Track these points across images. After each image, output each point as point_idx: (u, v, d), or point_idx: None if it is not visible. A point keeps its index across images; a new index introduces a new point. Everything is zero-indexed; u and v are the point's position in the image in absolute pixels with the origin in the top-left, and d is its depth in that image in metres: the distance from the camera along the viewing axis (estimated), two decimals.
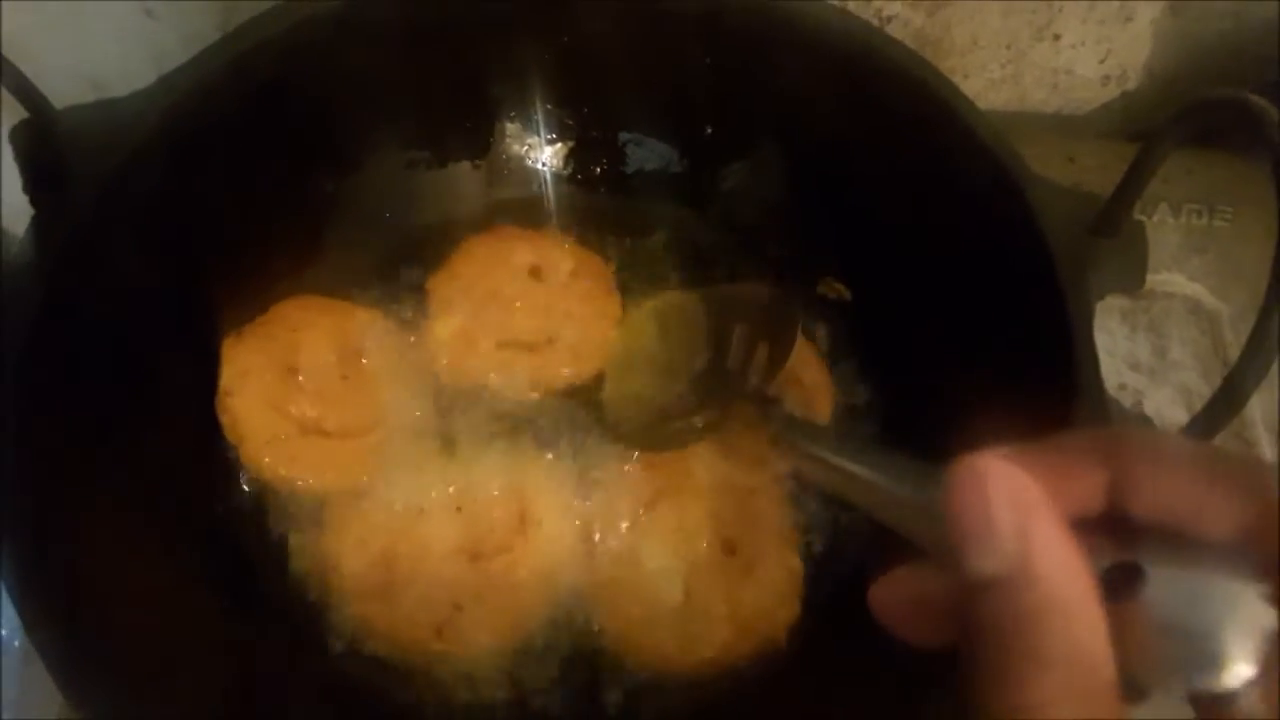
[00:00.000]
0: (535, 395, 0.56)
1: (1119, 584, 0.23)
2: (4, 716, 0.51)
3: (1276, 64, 0.73)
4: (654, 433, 0.54)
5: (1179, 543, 0.23)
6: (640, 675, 0.50)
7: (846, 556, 0.53)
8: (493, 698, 0.49)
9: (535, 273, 0.60)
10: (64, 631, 0.38)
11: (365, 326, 0.56)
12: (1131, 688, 0.22)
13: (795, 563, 0.52)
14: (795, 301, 0.54)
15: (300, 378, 0.54)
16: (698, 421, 0.53)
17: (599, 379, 0.57)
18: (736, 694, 0.49)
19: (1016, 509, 0.23)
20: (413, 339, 0.57)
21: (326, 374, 0.54)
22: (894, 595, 0.28)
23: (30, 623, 0.38)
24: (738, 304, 0.55)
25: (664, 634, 0.49)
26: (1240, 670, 0.21)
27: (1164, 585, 0.22)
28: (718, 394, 0.52)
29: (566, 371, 0.57)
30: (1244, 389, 0.38)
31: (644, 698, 0.50)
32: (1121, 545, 0.24)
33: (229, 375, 0.53)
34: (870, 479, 0.34)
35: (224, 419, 0.53)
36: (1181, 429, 0.41)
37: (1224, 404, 0.39)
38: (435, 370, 0.56)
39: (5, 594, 0.50)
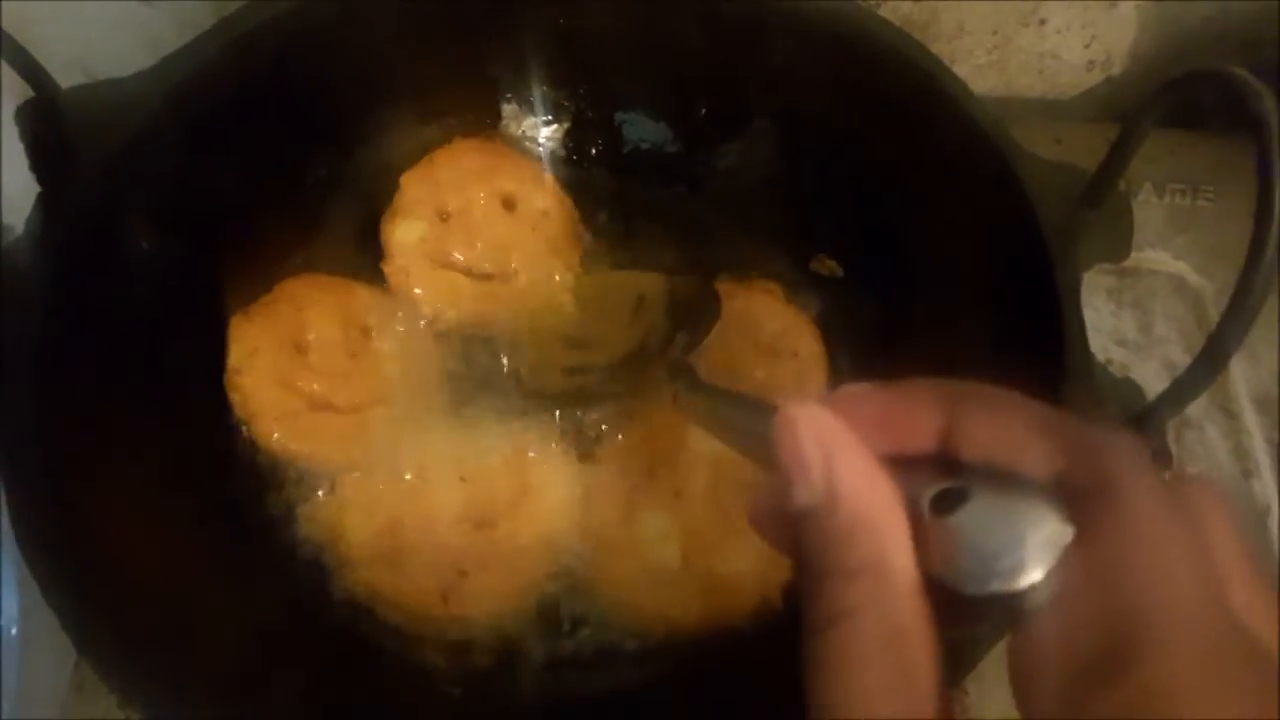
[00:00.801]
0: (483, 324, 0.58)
1: (945, 503, 0.25)
2: (2, 707, 0.51)
3: (1258, 49, 0.75)
4: (566, 395, 0.55)
5: (1000, 477, 0.26)
6: (642, 638, 0.51)
7: None
8: (497, 661, 0.50)
9: (508, 202, 0.61)
10: (78, 596, 0.39)
11: (368, 303, 0.57)
12: (952, 598, 0.24)
13: None
14: (716, 295, 0.54)
15: (307, 354, 0.55)
16: (611, 389, 0.54)
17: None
18: (737, 653, 0.50)
19: (822, 444, 0.26)
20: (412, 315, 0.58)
21: (332, 350, 0.55)
22: (763, 507, 0.30)
23: (45, 586, 0.39)
24: (667, 289, 0.57)
25: (664, 597, 0.51)
26: (1034, 574, 0.23)
27: (983, 505, 0.25)
28: (634, 367, 0.54)
29: (517, 307, 0.58)
30: (1223, 354, 0.39)
31: (646, 660, 0.51)
32: (950, 474, 0.26)
33: (238, 354, 0.54)
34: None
35: (233, 396, 0.54)
36: (1162, 395, 0.42)
37: (1204, 369, 0.40)
38: (387, 276, 0.58)
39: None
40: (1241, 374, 0.65)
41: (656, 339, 0.54)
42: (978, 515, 0.25)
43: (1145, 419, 0.43)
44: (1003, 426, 0.26)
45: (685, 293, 0.56)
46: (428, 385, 0.56)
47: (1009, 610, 0.24)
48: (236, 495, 0.53)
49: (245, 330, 0.55)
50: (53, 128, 0.47)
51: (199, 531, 0.49)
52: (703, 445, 0.54)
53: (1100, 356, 0.65)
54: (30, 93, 0.47)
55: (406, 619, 0.50)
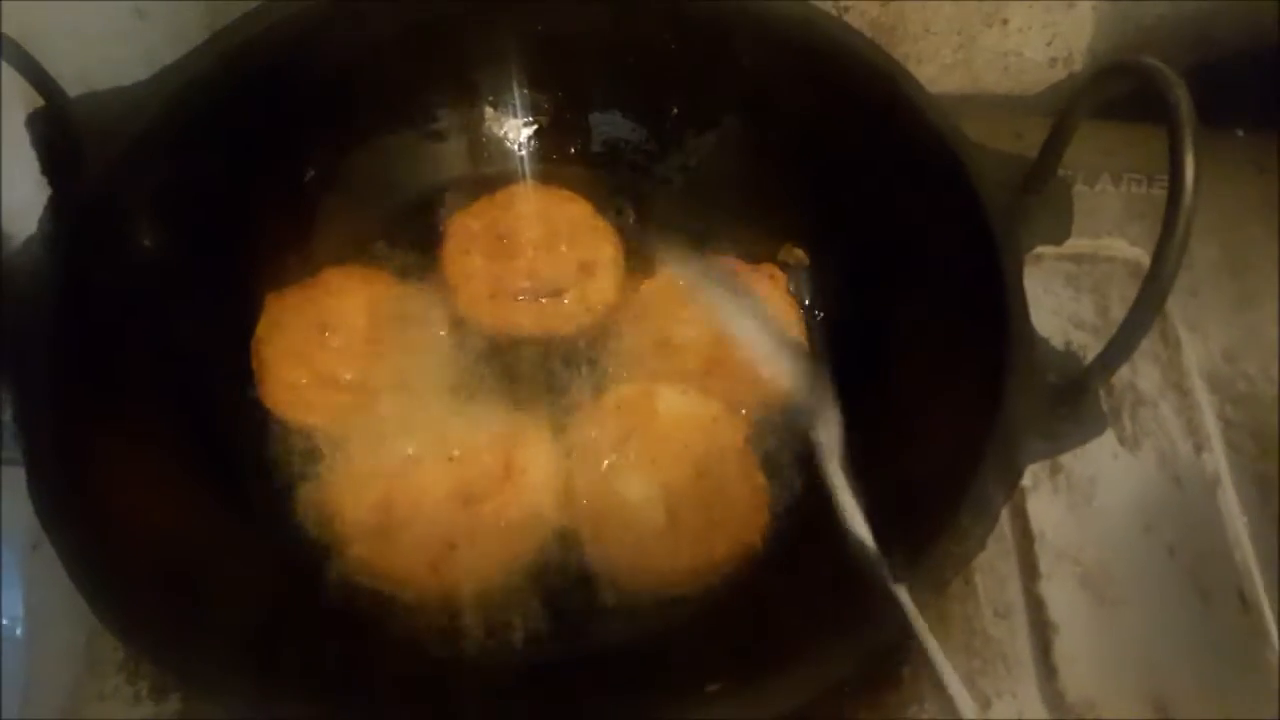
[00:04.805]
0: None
1: None
2: (5, 705, 0.52)
3: (1209, 44, 0.78)
4: None
5: None
6: (634, 595, 0.53)
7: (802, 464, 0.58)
8: (487, 629, 0.52)
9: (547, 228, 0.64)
10: (91, 560, 0.42)
11: (396, 297, 0.61)
12: None
13: (759, 477, 0.57)
14: None
15: (327, 335, 0.59)
16: None
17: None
18: (726, 597, 0.53)
19: None
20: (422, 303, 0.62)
21: (352, 334, 0.60)
22: None
23: (60, 552, 0.42)
24: None
25: (653, 554, 0.54)
26: None
27: None
28: None
29: (575, 322, 0.62)
30: (1143, 326, 0.42)
31: (639, 616, 0.53)
32: None
33: (264, 325, 0.59)
34: None
35: (254, 364, 0.58)
36: (1092, 362, 0.45)
37: (1127, 337, 0.43)
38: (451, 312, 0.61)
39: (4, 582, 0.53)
40: (1194, 352, 0.68)
41: None
42: None
43: (1081, 383, 0.46)
44: None
45: None
46: (431, 373, 0.59)
47: None
48: (243, 468, 0.56)
49: (276, 306, 0.60)
50: (63, 134, 0.51)
51: (204, 495, 0.52)
52: (675, 409, 0.58)
53: (1060, 339, 0.67)
54: (39, 102, 0.50)
55: (397, 589, 0.52)
